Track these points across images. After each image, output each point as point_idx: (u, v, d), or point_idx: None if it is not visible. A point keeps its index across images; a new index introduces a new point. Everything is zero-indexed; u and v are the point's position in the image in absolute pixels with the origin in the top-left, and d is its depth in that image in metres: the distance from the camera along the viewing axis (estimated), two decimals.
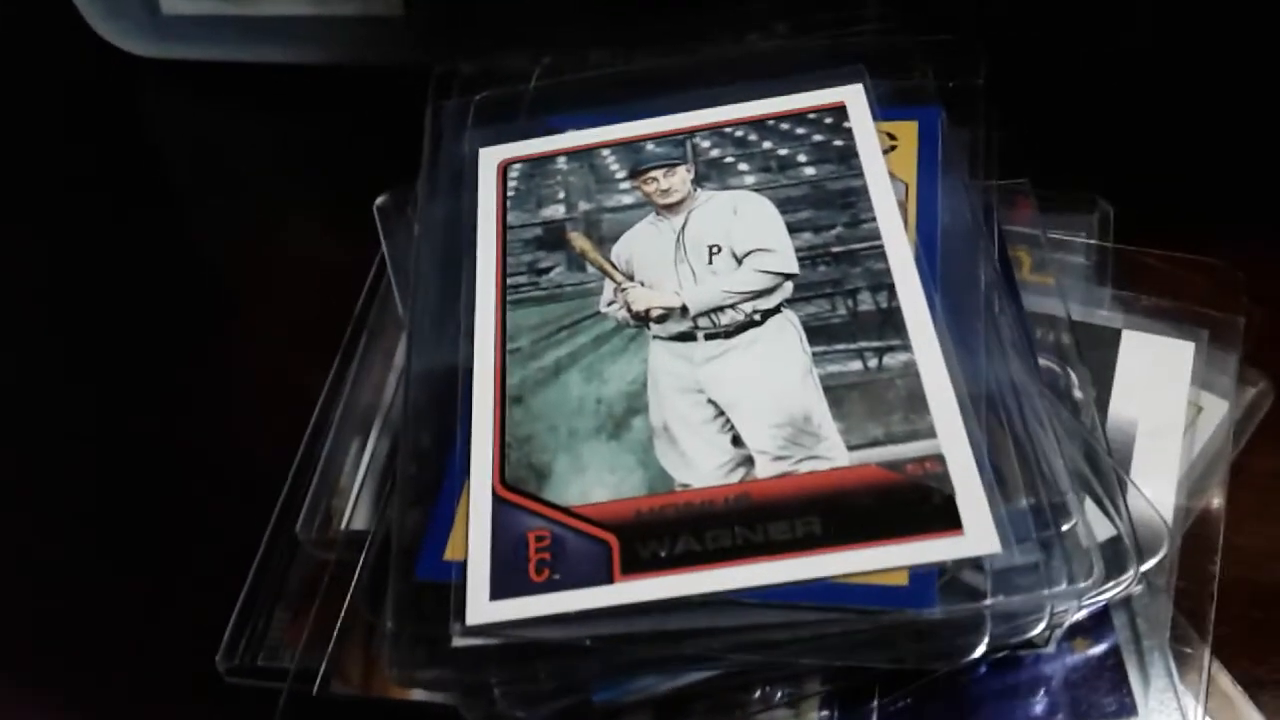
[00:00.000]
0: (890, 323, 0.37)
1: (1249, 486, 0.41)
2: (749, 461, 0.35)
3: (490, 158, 0.44)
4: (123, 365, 0.50)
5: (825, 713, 0.34)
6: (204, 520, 0.45)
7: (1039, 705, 0.34)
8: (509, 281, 0.41)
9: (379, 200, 0.47)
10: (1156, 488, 0.38)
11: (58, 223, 0.56)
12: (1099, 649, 0.35)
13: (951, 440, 0.34)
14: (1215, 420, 0.41)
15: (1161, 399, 0.41)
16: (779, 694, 0.34)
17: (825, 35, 0.47)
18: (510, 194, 0.43)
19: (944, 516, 0.33)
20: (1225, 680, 0.37)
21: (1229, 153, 0.51)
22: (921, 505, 0.33)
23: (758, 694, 0.34)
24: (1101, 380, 0.41)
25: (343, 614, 0.37)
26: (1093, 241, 0.45)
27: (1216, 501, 0.39)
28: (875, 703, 0.34)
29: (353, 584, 0.37)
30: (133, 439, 0.48)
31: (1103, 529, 0.35)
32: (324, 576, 0.40)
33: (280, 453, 0.43)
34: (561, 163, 0.44)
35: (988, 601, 0.32)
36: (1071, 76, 0.52)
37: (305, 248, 0.54)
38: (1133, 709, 0.34)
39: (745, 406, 0.36)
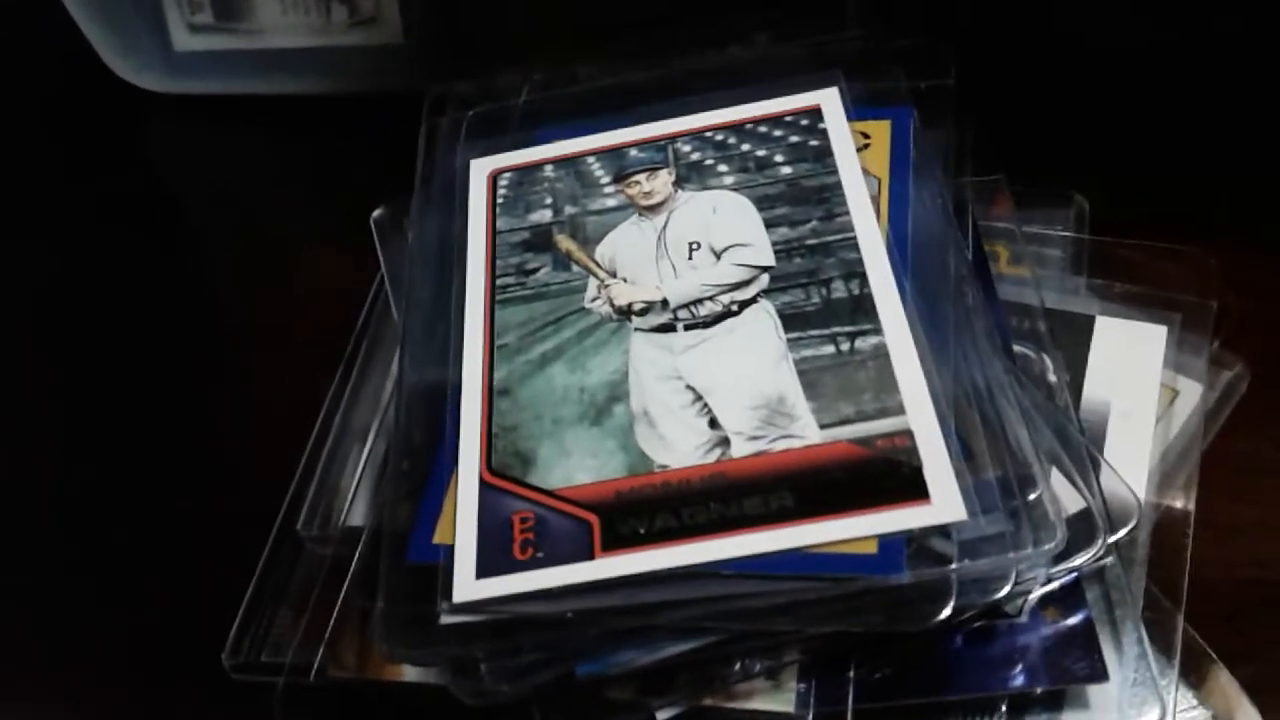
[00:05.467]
0: (862, 308, 0.38)
1: (1223, 465, 0.41)
2: (725, 442, 0.36)
3: (481, 168, 0.46)
4: (137, 378, 0.52)
5: (803, 685, 0.35)
6: (214, 524, 0.46)
7: (1013, 672, 0.35)
8: (497, 282, 0.42)
9: (376, 214, 0.49)
10: (1129, 465, 0.39)
11: (77, 249, 0.58)
12: (1073, 619, 0.36)
13: (920, 416, 0.35)
14: (1191, 402, 0.42)
15: (1134, 381, 0.42)
16: (758, 665, 0.34)
17: (804, 44, 0.48)
18: (500, 201, 0.45)
19: (912, 487, 0.34)
20: (1201, 647, 0.37)
21: (1205, 145, 0.52)
22: (890, 478, 0.34)
23: (737, 666, 0.34)
24: (1076, 365, 0.42)
25: (339, 603, 0.39)
26: (1069, 234, 0.46)
27: (1191, 479, 0.40)
28: (852, 673, 0.34)
29: (349, 574, 0.39)
30: (147, 449, 0.49)
31: (1074, 503, 0.36)
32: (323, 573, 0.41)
33: (287, 459, 0.45)
34: (549, 170, 0.45)
35: (953, 566, 0.32)
36: (1048, 76, 0.53)
37: (314, 267, 0.56)
38: (1104, 673, 0.34)
39: (722, 391, 0.38)
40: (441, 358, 0.41)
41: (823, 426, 0.36)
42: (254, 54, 0.61)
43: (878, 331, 0.38)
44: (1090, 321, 0.43)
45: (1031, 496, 0.34)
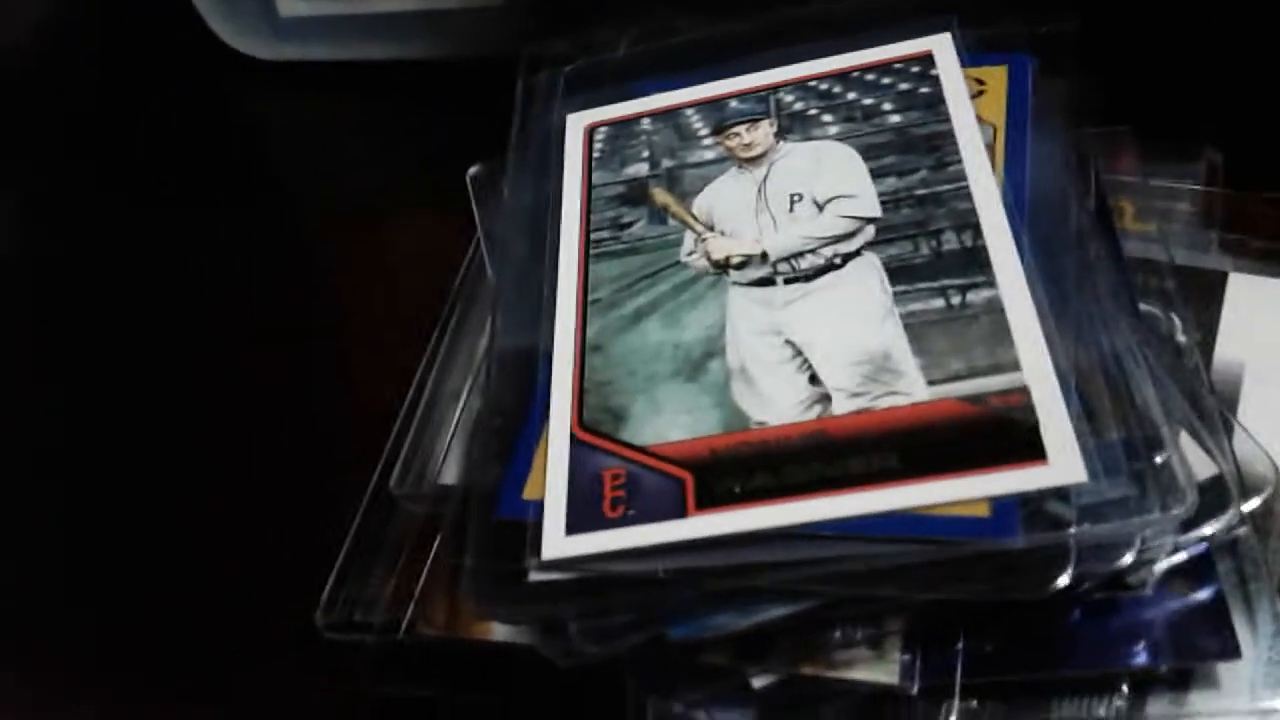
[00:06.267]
0: (975, 260, 0.36)
1: None
2: (826, 399, 0.35)
3: (577, 123, 0.45)
4: (237, 341, 0.52)
5: (907, 656, 0.33)
6: (310, 483, 0.46)
7: (1136, 648, 0.32)
8: (592, 237, 0.41)
9: (472, 170, 0.48)
10: (1266, 429, 0.36)
11: (176, 214, 0.58)
12: (1203, 593, 0.33)
13: (1036, 372, 0.33)
14: None
15: (1271, 341, 0.39)
16: (859, 633, 0.33)
17: None
18: (596, 155, 0.43)
19: (1028, 447, 0.32)
20: None
21: None
22: (1004, 437, 0.32)
23: (838, 634, 0.33)
24: (1207, 325, 0.39)
25: (430, 560, 0.38)
26: (1199, 187, 0.43)
27: None
28: (961, 644, 0.32)
29: (439, 532, 0.38)
30: (246, 406, 0.49)
31: (1205, 468, 0.34)
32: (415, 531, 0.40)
33: (383, 419, 0.44)
34: (646, 124, 0.44)
35: (1072, 531, 0.30)
36: (1178, 18, 0.50)
37: (412, 229, 0.56)
38: (1236, 650, 0.32)
39: (823, 346, 0.36)
40: (534, 315, 0.40)
41: (930, 383, 0.34)
42: (357, 18, 0.61)
43: (991, 284, 0.36)
44: (1223, 279, 0.40)
45: (1159, 459, 0.32)
